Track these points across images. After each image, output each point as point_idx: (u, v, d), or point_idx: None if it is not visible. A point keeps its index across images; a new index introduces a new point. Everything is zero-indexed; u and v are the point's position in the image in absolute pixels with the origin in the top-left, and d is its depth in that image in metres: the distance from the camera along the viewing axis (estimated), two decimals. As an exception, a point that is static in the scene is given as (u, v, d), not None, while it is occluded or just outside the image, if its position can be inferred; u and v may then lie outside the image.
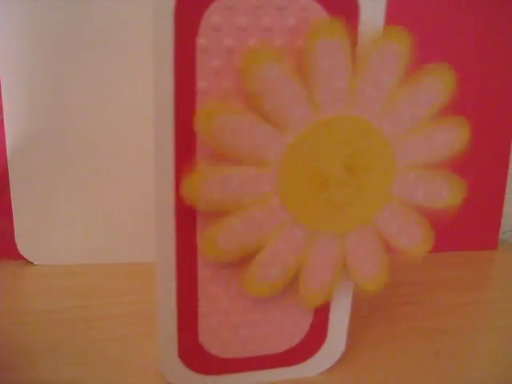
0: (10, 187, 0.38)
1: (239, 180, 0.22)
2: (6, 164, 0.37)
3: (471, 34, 0.41)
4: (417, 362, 0.30)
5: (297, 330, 0.27)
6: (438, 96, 0.24)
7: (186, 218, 0.23)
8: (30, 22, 0.35)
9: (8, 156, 0.37)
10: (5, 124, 0.36)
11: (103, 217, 0.39)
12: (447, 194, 0.25)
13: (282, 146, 0.22)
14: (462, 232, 0.45)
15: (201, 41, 0.21)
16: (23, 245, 0.39)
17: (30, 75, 0.36)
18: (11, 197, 0.38)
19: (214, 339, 0.26)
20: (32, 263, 0.40)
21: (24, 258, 0.40)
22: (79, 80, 0.37)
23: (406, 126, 0.24)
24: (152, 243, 0.23)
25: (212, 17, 0.21)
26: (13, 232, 0.39)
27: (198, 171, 0.22)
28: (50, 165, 0.38)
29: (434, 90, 0.23)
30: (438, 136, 0.24)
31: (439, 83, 0.23)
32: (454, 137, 0.25)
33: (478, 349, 0.32)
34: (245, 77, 0.21)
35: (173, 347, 0.25)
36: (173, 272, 0.24)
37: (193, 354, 0.26)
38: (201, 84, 0.21)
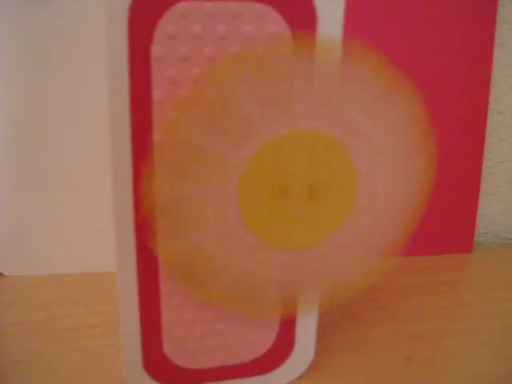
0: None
1: (197, 192, 0.22)
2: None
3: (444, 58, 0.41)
4: (388, 368, 0.30)
5: (263, 338, 0.26)
6: (408, 122, 0.24)
7: (146, 229, 0.23)
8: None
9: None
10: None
11: (74, 227, 0.39)
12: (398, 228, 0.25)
13: (249, 150, 0.22)
14: (436, 235, 0.44)
15: (155, 50, 0.21)
16: (-7, 256, 0.39)
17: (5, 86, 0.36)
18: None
19: (179, 350, 0.25)
20: (2, 274, 0.39)
21: (-6, 270, 0.39)
22: (47, 93, 0.36)
23: (371, 150, 0.23)
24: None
25: (166, 25, 0.21)
26: (-18, 243, 0.38)
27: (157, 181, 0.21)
28: (20, 177, 0.38)
29: (403, 116, 0.23)
30: (402, 167, 0.24)
31: (409, 109, 0.23)
32: (417, 176, 0.25)
33: (450, 353, 0.32)
34: (216, 83, 0.21)
35: (138, 358, 0.25)
36: (134, 283, 0.24)
37: (158, 365, 0.25)
38: (156, 93, 0.21)
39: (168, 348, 0.25)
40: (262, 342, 0.27)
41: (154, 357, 0.25)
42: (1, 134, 0.37)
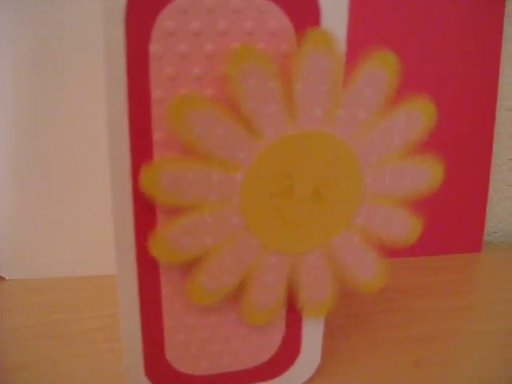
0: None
1: (202, 177, 0.21)
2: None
3: (455, 65, 0.40)
4: (397, 372, 0.29)
5: (268, 343, 0.26)
6: (417, 128, 0.23)
7: (146, 232, 0.22)
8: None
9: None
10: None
11: (75, 230, 0.39)
12: (406, 229, 0.25)
13: (254, 151, 0.21)
14: (444, 235, 0.44)
15: (154, 47, 0.20)
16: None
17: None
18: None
19: (181, 356, 0.25)
20: (3, 278, 0.39)
21: (-5, 273, 0.39)
22: (45, 97, 0.36)
23: (380, 155, 0.23)
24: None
25: (165, 22, 0.20)
26: (-18, 247, 0.38)
27: (160, 161, 0.21)
28: (20, 180, 0.37)
29: (413, 122, 0.23)
30: (409, 172, 0.24)
31: (420, 116, 0.23)
32: (426, 176, 0.24)
33: (459, 357, 0.31)
34: (229, 74, 0.20)
35: (139, 365, 0.24)
36: (135, 287, 0.23)
37: (160, 372, 0.25)
38: (156, 92, 0.21)
39: (170, 354, 0.25)
40: (267, 346, 0.26)
41: (156, 363, 0.25)
42: (2, 138, 0.36)
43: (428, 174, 0.24)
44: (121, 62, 0.20)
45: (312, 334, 0.27)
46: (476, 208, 0.44)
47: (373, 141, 0.23)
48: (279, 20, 0.21)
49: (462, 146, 0.42)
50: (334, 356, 0.30)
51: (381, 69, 0.22)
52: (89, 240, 0.39)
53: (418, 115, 0.23)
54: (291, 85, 0.21)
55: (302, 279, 0.24)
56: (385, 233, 0.25)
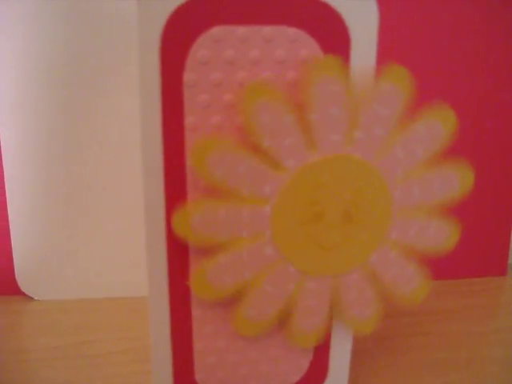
0: (10, 224, 0.38)
1: (232, 215, 0.21)
2: (6, 202, 0.37)
3: (470, 72, 0.40)
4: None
5: (296, 367, 0.26)
6: (439, 138, 0.23)
7: (179, 256, 0.23)
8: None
9: (7, 196, 0.37)
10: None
11: (104, 250, 0.39)
12: (443, 237, 0.25)
13: (279, 183, 0.21)
14: (470, 258, 0.44)
15: (188, 76, 0.21)
16: (23, 280, 0.39)
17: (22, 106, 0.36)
18: (11, 233, 0.38)
19: (210, 378, 0.25)
20: (32, 298, 0.39)
21: (24, 294, 0.39)
22: (71, 117, 0.37)
23: (404, 168, 0.23)
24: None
25: (199, 51, 0.20)
26: (13, 267, 0.38)
27: (190, 205, 0.21)
28: (50, 201, 0.38)
29: (434, 132, 0.23)
30: (438, 180, 0.24)
31: (440, 124, 0.23)
32: (455, 182, 0.24)
33: (487, 381, 0.31)
34: (244, 111, 0.20)
35: (169, 386, 0.25)
36: (166, 310, 0.23)
37: (190, 394, 0.25)
38: (189, 119, 0.21)
39: (200, 376, 0.25)
40: (296, 369, 0.26)
41: (185, 385, 0.25)
42: (34, 158, 0.37)
43: (457, 179, 0.24)
44: (156, 89, 0.20)
45: (339, 359, 0.27)
46: (501, 231, 0.44)
47: (395, 156, 0.23)
48: (310, 48, 0.21)
49: (485, 169, 0.42)
50: (361, 379, 0.30)
51: (393, 84, 0.22)
52: (117, 262, 0.39)
53: (438, 124, 0.23)
54: (306, 114, 0.21)
55: (346, 299, 0.24)
56: (422, 243, 0.25)
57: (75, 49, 0.35)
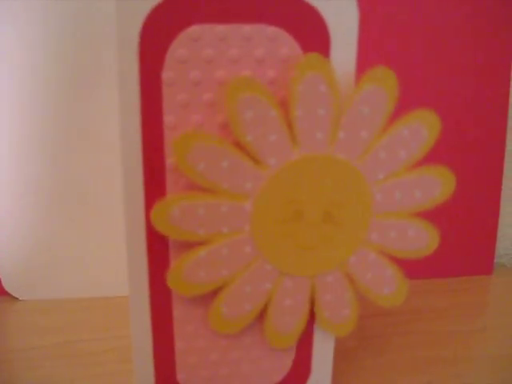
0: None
1: (212, 210, 0.21)
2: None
3: (456, 75, 0.40)
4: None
5: (278, 366, 0.26)
6: (422, 141, 0.23)
7: (159, 255, 0.22)
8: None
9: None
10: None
11: (90, 250, 0.39)
12: (423, 241, 0.25)
13: (260, 179, 0.21)
14: (456, 257, 0.44)
15: (167, 74, 0.20)
16: (8, 280, 0.39)
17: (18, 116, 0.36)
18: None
19: (192, 378, 0.25)
20: (17, 299, 0.39)
21: (9, 294, 0.39)
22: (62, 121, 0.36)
23: (387, 171, 0.23)
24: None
25: (177, 49, 0.20)
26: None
27: (170, 198, 0.21)
28: (34, 202, 0.37)
29: (417, 136, 0.23)
30: (420, 184, 0.24)
31: (424, 128, 0.23)
32: (437, 187, 0.24)
33: (472, 380, 0.31)
34: (227, 107, 0.20)
35: (150, 387, 0.25)
36: (147, 309, 0.23)
37: (171, 394, 0.25)
38: (168, 118, 0.21)
39: (181, 376, 0.25)
40: (278, 369, 0.26)
41: (167, 385, 0.25)
42: (20, 160, 0.37)
43: (439, 183, 0.24)
44: (134, 88, 0.20)
45: (322, 357, 0.27)
46: (487, 230, 0.44)
47: (378, 158, 0.23)
48: (290, 47, 0.21)
49: (471, 167, 0.42)
50: (344, 379, 0.30)
51: (378, 86, 0.22)
52: (101, 261, 0.39)
53: (421, 128, 0.23)
54: (290, 112, 0.21)
55: (323, 299, 0.24)
56: (402, 247, 0.25)
57: (62, 48, 0.35)
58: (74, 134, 0.37)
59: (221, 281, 0.22)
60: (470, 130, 0.41)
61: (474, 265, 0.44)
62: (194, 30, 0.20)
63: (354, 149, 0.22)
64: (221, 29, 0.21)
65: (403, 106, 0.23)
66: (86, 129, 0.37)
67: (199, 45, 0.20)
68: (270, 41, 0.21)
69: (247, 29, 0.21)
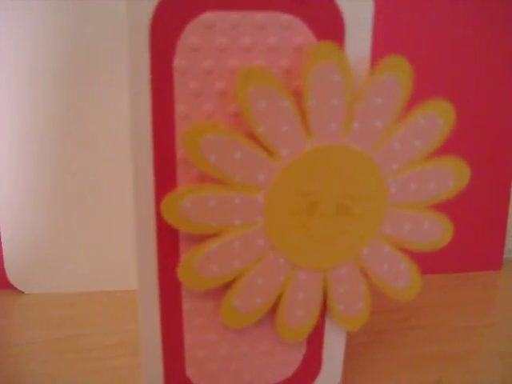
0: (-1, 216, 0.37)
1: (224, 202, 0.21)
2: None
3: (470, 67, 0.40)
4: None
5: (289, 361, 0.26)
6: (437, 132, 0.23)
7: (169, 247, 0.22)
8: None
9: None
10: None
11: (95, 244, 0.39)
12: (437, 234, 0.24)
13: (273, 171, 0.21)
14: (465, 252, 0.43)
15: (179, 62, 0.20)
16: (13, 274, 0.38)
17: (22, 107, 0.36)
18: (0, 227, 0.37)
19: (201, 372, 0.25)
20: (22, 292, 0.39)
21: (14, 287, 0.39)
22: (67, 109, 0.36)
23: (402, 162, 0.23)
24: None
25: (190, 37, 0.20)
26: (2, 261, 0.38)
27: (181, 190, 0.21)
28: (39, 195, 0.37)
29: (432, 126, 0.23)
30: (434, 176, 0.23)
31: (439, 118, 0.23)
32: (451, 178, 0.24)
33: (481, 375, 0.30)
34: (239, 97, 0.20)
35: (159, 380, 0.24)
36: (156, 302, 0.23)
37: (180, 388, 0.25)
38: (179, 107, 0.21)
39: (191, 370, 0.24)
40: (288, 363, 0.26)
41: (176, 379, 0.24)
42: (24, 153, 0.37)
43: (453, 174, 0.24)
44: (145, 76, 0.20)
45: (333, 352, 0.26)
46: (496, 225, 0.44)
47: (392, 149, 0.22)
48: (304, 35, 0.21)
49: (481, 162, 0.41)
50: (355, 373, 0.29)
51: (392, 75, 0.21)
52: (107, 255, 0.39)
53: (437, 117, 0.23)
54: (304, 101, 0.21)
55: (336, 292, 0.24)
56: (416, 239, 0.24)
57: (62, 48, 0.35)
58: (78, 130, 0.37)
59: (233, 274, 0.22)
60: (482, 125, 0.41)
61: (482, 260, 0.44)
62: (207, 16, 0.20)
63: (369, 139, 0.22)
64: (234, 16, 0.20)
65: (417, 96, 0.22)
66: (87, 126, 0.37)
67: (212, 32, 0.20)
68: (283, 29, 0.21)
69: (260, 16, 0.20)
